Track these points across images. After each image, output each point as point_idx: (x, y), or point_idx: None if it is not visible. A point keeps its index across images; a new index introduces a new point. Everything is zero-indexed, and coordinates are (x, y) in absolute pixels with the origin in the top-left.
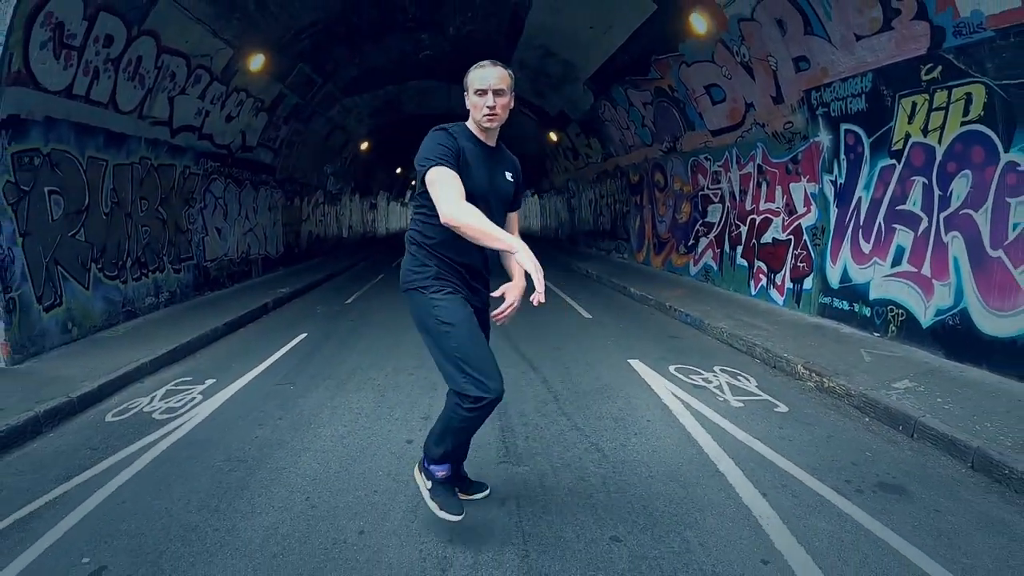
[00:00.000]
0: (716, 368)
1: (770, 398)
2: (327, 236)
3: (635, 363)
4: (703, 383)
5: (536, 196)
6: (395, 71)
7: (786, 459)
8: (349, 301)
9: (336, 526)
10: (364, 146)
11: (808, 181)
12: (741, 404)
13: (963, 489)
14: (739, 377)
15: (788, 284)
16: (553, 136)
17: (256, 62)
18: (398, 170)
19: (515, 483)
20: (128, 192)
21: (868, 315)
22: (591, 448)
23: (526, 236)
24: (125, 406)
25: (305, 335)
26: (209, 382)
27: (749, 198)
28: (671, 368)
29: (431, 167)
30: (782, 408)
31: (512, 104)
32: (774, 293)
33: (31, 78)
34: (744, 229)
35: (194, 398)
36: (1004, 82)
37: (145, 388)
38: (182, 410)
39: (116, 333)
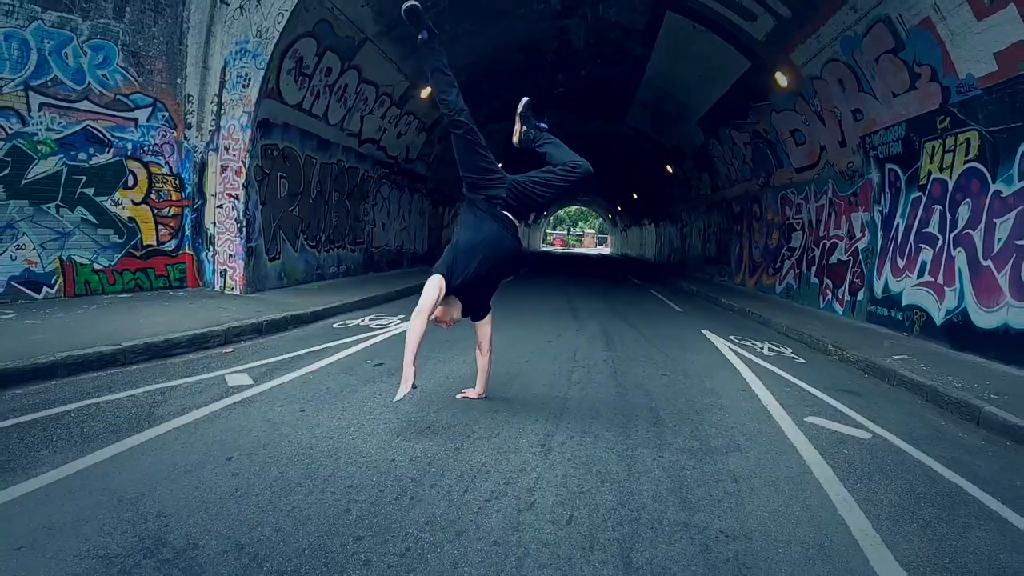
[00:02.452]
0: (765, 341)
1: (796, 356)
2: None
3: (705, 332)
4: (750, 344)
5: (652, 225)
6: (533, 103)
7: (784, 373)
8: None
9: (510, 359)
10: (499, 166)
11: (864, 211)
12: (772, 355)
13: (906, 403)
14: (780, 346)
15: (847, 297)
16: (669, 168)
17: (425, 92)
18: None
19: (610, 357)
20: (327, 185)
21: (900, 319)
22: (659, 353)
23: (641, 262)
24: (343, 322)
25: None
26: (400, 317)
27: (822, 226)
28: (731, 337)
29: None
30: (802, 361)
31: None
32: (836, 305)
33: (279, 94)
34: (817, 252)
35: (395, 321)
36: (991, 128)
37: (351, 317)
38: (390, 326)
39: (312, 287)
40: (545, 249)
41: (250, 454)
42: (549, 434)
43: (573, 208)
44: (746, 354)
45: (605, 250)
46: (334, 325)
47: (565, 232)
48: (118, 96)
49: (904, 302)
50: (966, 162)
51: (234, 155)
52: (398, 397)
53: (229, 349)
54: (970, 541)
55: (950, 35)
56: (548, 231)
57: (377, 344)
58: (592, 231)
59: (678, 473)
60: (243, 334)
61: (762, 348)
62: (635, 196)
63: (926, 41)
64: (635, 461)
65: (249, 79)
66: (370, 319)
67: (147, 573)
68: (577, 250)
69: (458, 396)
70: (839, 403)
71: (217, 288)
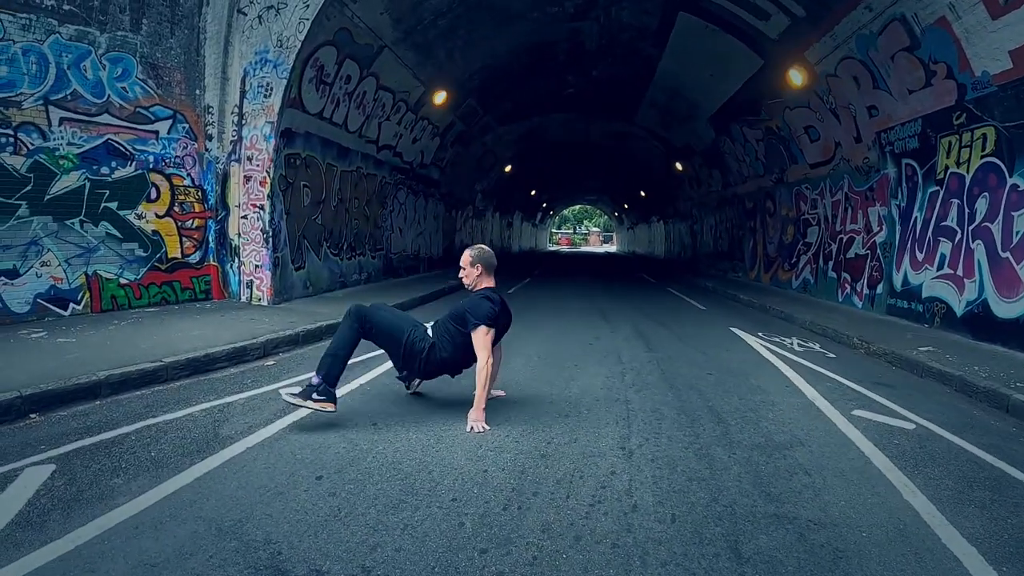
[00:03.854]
0: (792, 337)
1: (825, 351)
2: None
3: (734, 329)
4: (779, 341)
5: (661, 222)
6: (542, 105)
7: (819, 368)
8: (511, 291)
9: (559, 362)
10: (508, 168)
11: (881, 206)
12: (802, 350)
13: (937, 394)
14: (808, 342)
15: (866, 290)
16: (679, 165)
17: (439, 97)
18: (532, 192)
19: (654, 358)
20: (348, 192)
21: (920, 310)
22: (697, 353)
23: (651, 259)
24: None
25: None
26: (431, 324)
27: (838, 221)
28: (759, 334)
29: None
30: (832, 356)
31: (474, 272)
32: (855, 299)
33: (300, 103)
34: (834, 247)
35: (427, 327)
36: (1007, 124)
37: None
38: None
39: (336, 296)
40: (552, 249)
41: (338, 472)
42: (624, 437)
43: (578, 207)
44: (778, 350)
45: (612, 248)
46: None
47: (571, 231)
48: (138, 109)
49: (924, 294)
50: (983, 157)
51: (258, 165)
52: (476, 430)
53: (271, 362)
54: (1023, 519)
55: (965, 34)
56: (554, 231)
57: None
58: (597, 230)
59: (755, 468)
60: (281, 346)
61: (791, 344)
62: (643, 194)
63: (941, 39)
64: (713, 459)
65: (271, 89)
66: None
67: None
68: (583, 249)
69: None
70: (877, 396)
71: (243, 299)
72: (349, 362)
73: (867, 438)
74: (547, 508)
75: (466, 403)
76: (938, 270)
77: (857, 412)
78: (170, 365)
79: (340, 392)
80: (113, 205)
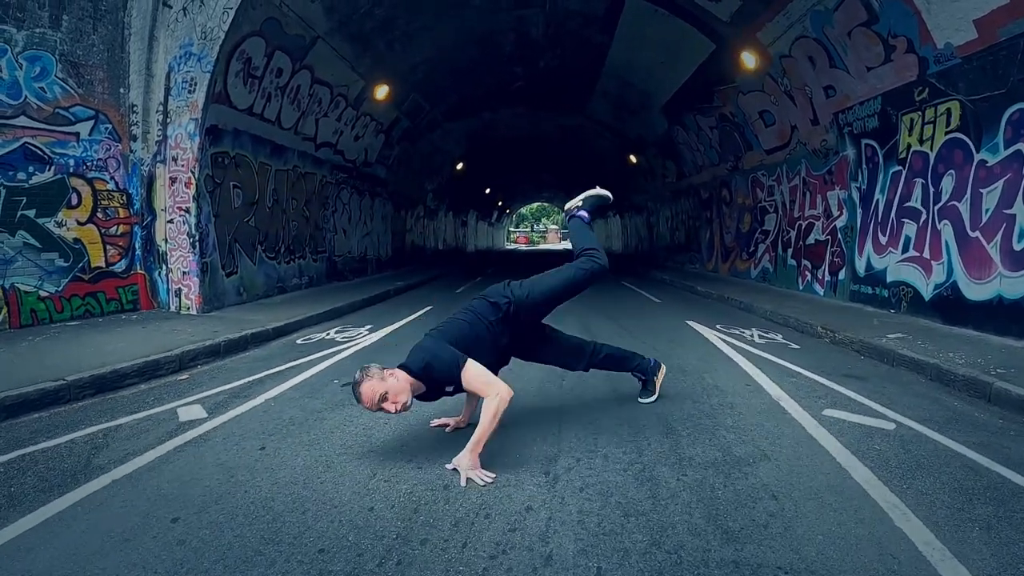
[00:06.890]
0: (753, 328)
1: (788, 342)
2: (425, 246)
3: (691, 322)
4: (739, 333)
5: (618, 216)
6: (490, 99)
7: (783, 361)
8: (459, 291)
9: None
10: (459, 166)
11: (840, 189)
12: (764, 343)
13: (912, 384)
14: (769, 333)
15: (827, 277)
16: (633, 158)
17: (381, 91)
18: (487, 190)
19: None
20: (284, 192)
21: (886, 295)
22: (649, 349)
23: (608, 254)
24: (307, 337)
25: (431, 307)
26: (368, 327)
27: (796, 206)
28: (717, 326)
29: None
30: (795, 346)
31: (396, 396)
32: (817, 286)
33: (227, 98)
34: (793, 234)
35: (361, 333)
36: (972, 97)
37: (316, 330)
38: (356, 338)
39: (273, 301)
40: (509, 247)
41: (199, 512)
42: (552, 458)
43: (535, 205)
44: (738, 343)
45: (569, 245)
46: (298, 341)
47: (529, 229)
48: (57, 110)
49: (889, 279)
50: (947, 133)
51: (183, 165)
52: (476, 481)
53: (184, 376)
54: None
55: (926, 4)
56: (511, 229)
57: (344, 360)
58: (555, 227)
59: (709, 494)
60: (199, 358)
61: (752, 336)
62: None
63: (901, 12)
64: (657, 484)
65: (195, 83)
66: (336, 332)
67: None
68: (542, 247)
69: (433, 423)
70: (848, 390)
71: (172, 308)
72: (258, 376)
73: (842, 444)
74: (435, 562)
75: (371, 421)
76: (903, 253)
77: (828, 412)
78: (73, 384)
79: (240, 408)
80: (31, 213)
